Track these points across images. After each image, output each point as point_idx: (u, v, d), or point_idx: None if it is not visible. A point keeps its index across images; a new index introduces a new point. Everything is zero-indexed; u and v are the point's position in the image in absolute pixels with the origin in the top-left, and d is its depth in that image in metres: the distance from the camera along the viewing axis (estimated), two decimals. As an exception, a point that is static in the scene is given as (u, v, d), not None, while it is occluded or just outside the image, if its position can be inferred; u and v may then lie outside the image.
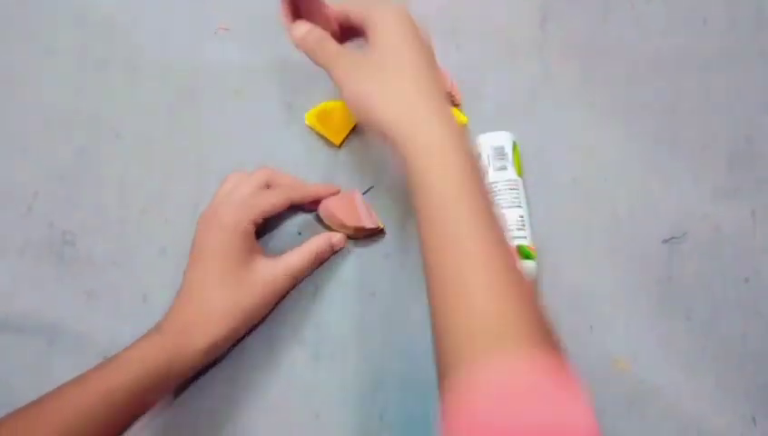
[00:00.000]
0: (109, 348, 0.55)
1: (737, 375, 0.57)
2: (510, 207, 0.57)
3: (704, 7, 0.68)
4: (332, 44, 0.52)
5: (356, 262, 0.59)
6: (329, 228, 0.59)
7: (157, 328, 0.51)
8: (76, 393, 0.45)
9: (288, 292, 0.57)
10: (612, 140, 0.63)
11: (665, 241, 0.61)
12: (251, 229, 0.54)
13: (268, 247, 0.59)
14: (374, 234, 0.60)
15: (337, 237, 0.58)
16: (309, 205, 0.60)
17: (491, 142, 0.59)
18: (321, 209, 0.58)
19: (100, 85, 0.64)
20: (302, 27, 0.53)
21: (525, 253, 0.56)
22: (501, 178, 0.58)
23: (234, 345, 0.56)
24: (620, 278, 0.59)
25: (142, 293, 0.58)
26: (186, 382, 0.55)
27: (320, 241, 0.57)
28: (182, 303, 0.52)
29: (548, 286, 0.59)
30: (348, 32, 0.54)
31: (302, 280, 0.58)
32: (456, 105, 0.64)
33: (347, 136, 0.63)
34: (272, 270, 0.55)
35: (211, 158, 0.62)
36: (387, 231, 0.60)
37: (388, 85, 0.48)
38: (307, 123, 0.62)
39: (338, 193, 0.60)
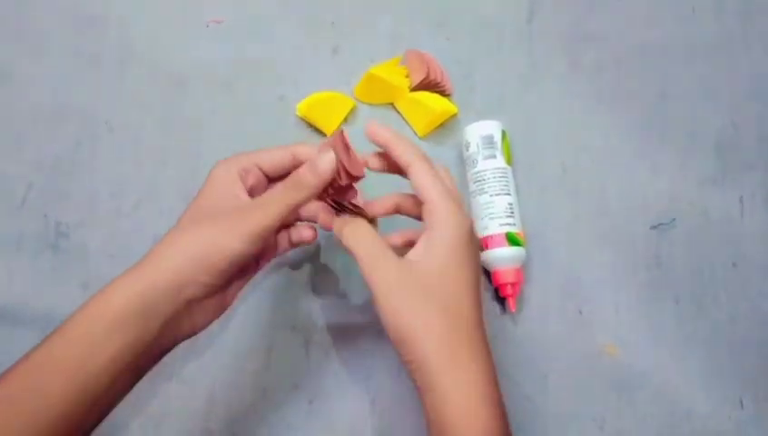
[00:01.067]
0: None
1: (725, 359, 0.58)
2: (499, 194, 0.58)
3: (690, -1, 0.69)
4: (376, 242, 0.45)
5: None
6: None
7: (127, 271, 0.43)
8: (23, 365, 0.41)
9: (269, 230, 0.44)
10: (600, 128, 0.64)
11: (654, 227, 0.61)
12: (243, 175, 0.47)
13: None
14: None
15: (327, 158, 0.45)
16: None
17: (480, 131, 0.60)
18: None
19: (92, 78, 0.64)
20: (346, 221, 0.48)
21: (513, 240, 0.57)
22: (490, 166, 0.59)
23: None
24: (609, 264, 0.60)
25: (136, 284, 0.58)
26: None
27: (296, 172, 0.45)
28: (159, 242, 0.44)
29: (538, 272, 0.60)
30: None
31: (280, 219, 0.45)
32: (446, 96, 0.64)
33: (338, 127, 0.63)
34: (243, 206, 0.46)
35: (203, 150, 0.62)
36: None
37: (424, 316, 0.42)
38: (298, 114, 0.63)
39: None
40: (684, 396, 0.57)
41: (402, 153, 0.46)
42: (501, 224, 0.57)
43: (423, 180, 0.45)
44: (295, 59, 0.65)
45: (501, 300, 0.59)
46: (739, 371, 0.58)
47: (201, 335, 0.56)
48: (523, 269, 0.58)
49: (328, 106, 0.62)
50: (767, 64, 0.67)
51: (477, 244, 0.48)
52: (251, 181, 0.48)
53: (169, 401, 0.55)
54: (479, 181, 0.59)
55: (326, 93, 0.63)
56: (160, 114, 0.63)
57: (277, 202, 0.44)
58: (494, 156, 0.59)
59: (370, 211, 0.50)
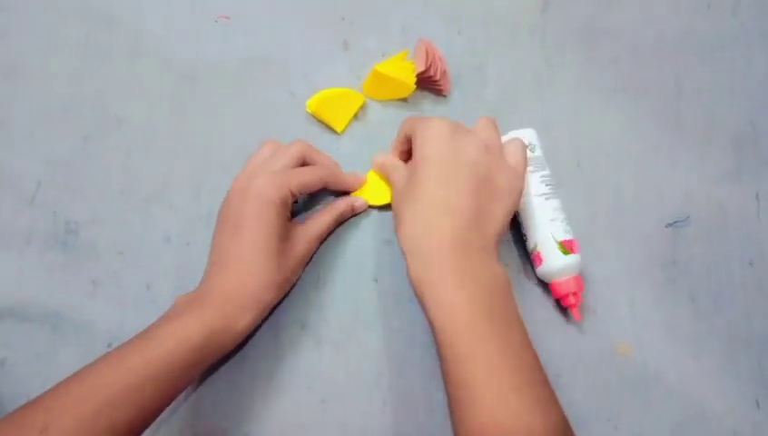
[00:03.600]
0: (114, 336, 0.55)
1: (741, 358, 0.57)
2: (551, 198, 0.57)
3: (707, -8, 0.68)
4: (393, 158, 0.58)
5: (358, 248, 0.59)
6: None
7: (197, 301, 0.50)
8: (115, 369, 0.44)
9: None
10: (615, 123, 0.63)
11: (669, 224, 0.61)
12: (290, 201, 0.53)
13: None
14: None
15: (360, 201, 0.59)
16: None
17: (530, 138, 0.59)
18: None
19: (102, 74, 0.63)
20: (380, 156, 0.59)
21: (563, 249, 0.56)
22: (550, 172, 0.58)
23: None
24: (624, 261, 0.59)
25: (146, 282, 0.58)
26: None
27: (342, 203, 0.58)
28: (222, 276, 0.51)
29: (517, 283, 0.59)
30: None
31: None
32: (442, 95, 0.64)
33: (348, 123, 0.63)
34: (305, 237, 0.55)
35: (213, 146, 0.62)
36: (389, 217, 0.60)
37: (415, 213, 0.50)
38: (308, 110, 0.62)
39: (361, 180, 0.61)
40: (700, 396, 0.56)
41: (398, 134, 0.57)
42: (569, 231, 0.57)
43: (409, 123, 0.55)
44: (305, 54, 0.65)
45: (563, 309, 0.58)
46: (756, 371, 0.57)
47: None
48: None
49: (338, 102, 0.62)
50: (785, 59, 0.66)
51: (466, 138, 0.51)
52: (292, 200, 0.54)
53: (179, 401, 0.55)
54: (551, 184, 0.58)
55: (336, 89, 0.62)
56: (170, 110, 0.63)
57: (327, 232, 0.58)
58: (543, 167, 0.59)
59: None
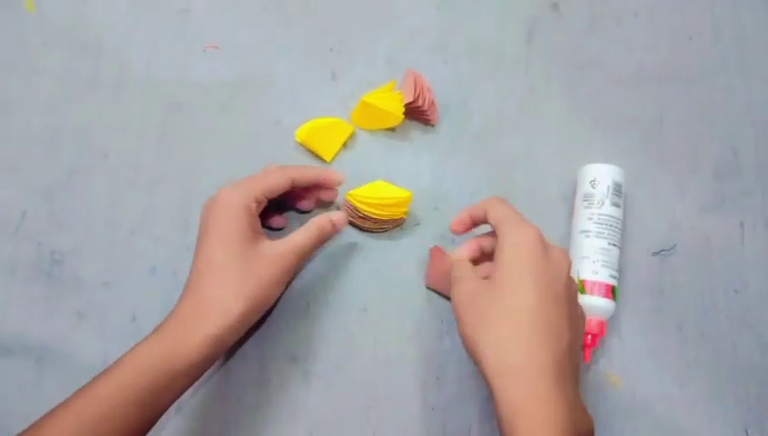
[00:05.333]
0: (98, 369, 0.54)
1: (729, 387, 0.58)
2: (615, 246, 0.58)
3: (689, 23, 0.69)
4: (465, 267, 0.51)
5: (347, 277, 0.59)
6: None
7: (159, 326, 0.47)
8: (87, 399, 0.43)
9: (296, 274, 0.55)
10: (599, 153, 0.63)
11: (655, 253, 0.61)
12: (253, 206, 0.51)
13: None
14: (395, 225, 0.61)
15: (338, 216, 0.55)
16: (304, 202, 0.60)
17: (613, 174, 0.59)
18: None
19: (88, 104, 0.63)
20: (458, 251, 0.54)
21: (615, 295, 0.57)
22: (615, 214, 0.58)
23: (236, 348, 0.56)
24: (611, 291, 0.60)
25: (132, 313, 0.57)
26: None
27: (321, 219, 0.54)
28: (185, 295, 0.49)
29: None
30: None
31: (308, 260, 0.57)
32: (430, 125, 0.64)
33: (337, 153, 0.63)
34: (278, 249, 0.51)
35: (199, 176, 0.62)
36: (377, 246, 0.60)
37: (496, 330, 0.44)
38: (297, 139, 0.62)
39: (341, 181, 0.57)
40: (689, 425, 0.56)
41: (478, 208, 0.52)
42: (611, 276, 0.57)
43: (497, 212, 0.50)
44: (293, 84, 0.65)
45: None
46: (743, 400, 0.57)
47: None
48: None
49: (327, 132, 0.62)
50: (764, 91, 0.67)
51: (564, 261, 0.48)
52: (258, 209, 0.53)
53: (164, 432, 0.54)
54: (601, 224, 0.57)
55: (325, 118, 0.62)
56: (156, 141, 0.63)
57: (306, 250, 0.52)
58: (618, 206, 0.59)
59: (459, 255, 0.54)
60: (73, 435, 0.42)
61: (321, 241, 0.54)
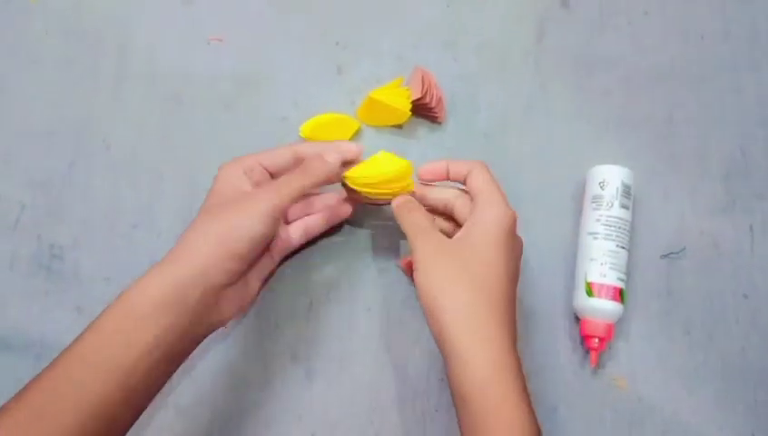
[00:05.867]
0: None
1: (737, 391, 0.57)
2: (624, 248, 0.57)
3: (700, 22, 0.68)
4: (422, 217, 0.51)
5: (350, 277, 0.58)
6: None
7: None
8: (62, 368, 0.42)
9: (279, 212, 0.48)
10: (608, 153, 0.62)
11: (664, 256, 0.60)
12: (248, 173, 0.50)
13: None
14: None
15: (333, 155, 0.52)
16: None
17: (622, 176, 0.58)
18: None
19: (90, 96, 0.62)
20: (402, 197, 0.53)
21: (624, 298, 0.56)
22: (624, 216, 0.57)
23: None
24: (619, 293, 0.59)
25: (133, 309, 0.56)
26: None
27: (313, 156, 0.52)
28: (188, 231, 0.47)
29: (546, 306, 0.59)
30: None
31: (291, 201, 0.49)
32: (437, 123, 0.63)
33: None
34: (255, 191, 0.49)
35: (202, 170, 0.60)
36: (381, 246, 0.59)
37: (456, 293, 0.46)
38: (302, 135, 0.61)
39: (357, 153, 0.54)
40: (696, 430, 0.56)
41: (461, 166, 0.52)
42: (619, 278, 0.56)
43: (480, 177, 0.50)
44: (298, 79, 0.64)
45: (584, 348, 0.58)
46: (751, 404, 0.57)
47: (200, 363, 0.55)
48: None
49: (332, 128, 0.61)
50: (776, 91, 0.66)
51: (520, 242, 0.51)
52: (255, 177, 0.51)
53: (167, 432, 0.53)
54: (610, 226, 0.57)
55: (331, 114, 0.61)
56: (158, 134, 0.62)
57: (287, 184, 0.49)
58: (627, 208, 0.58)
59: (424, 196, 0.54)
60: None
61: (310, 178, 0.50)
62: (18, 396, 0.42)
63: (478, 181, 0.50)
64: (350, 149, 0.53)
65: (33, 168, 0.60)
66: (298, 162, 0.52)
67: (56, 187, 0.60)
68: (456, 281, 0.46)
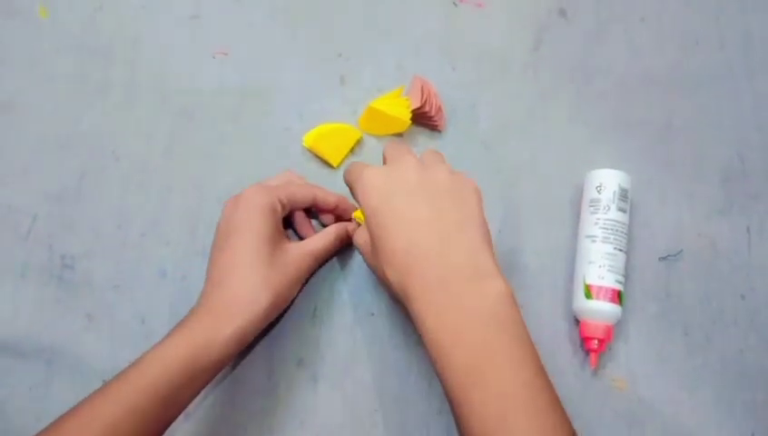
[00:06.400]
0: (108, 371, 0.54)
1: (736, 392, 0.58)
2: (622, 251, 0.58)
3: (695, 28, 0.69)
4: (359, 163, 0.52)
5: (354, 282, 0.60)
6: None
7: (181, 322, 0.49)
8: (98, 405, 0.44)
9: (312, 274, 0.57)
10: (606, 158, 0.63)
11: (662, 258, 0.61)
12: (279, 208, 0.53)
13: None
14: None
15: (352, 226, 0.57)
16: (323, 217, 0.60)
17: (619, 180, 0.59)
18: None
19: (99, 109, 0.64)
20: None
21: (622, 300, 0.57)
22: (621, 219, 0.58)
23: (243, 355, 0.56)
24: (617, 296, 0.60)
25: (141, 316, 0.58)
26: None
27: (339, 227, 0.57)
28: (209, 291, 0.50)
29: (546, 308, 0.60)
30: None
31: (323, 264, 0.58)
32: (437, 131, 0.64)
33: (344, 158, 0.63)
34: (299, 250, 0.54)
35: (209, 181, 0.62)
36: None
37: (390, 265, 0.46)
38: (305, 145, 0.63)
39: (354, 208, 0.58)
40: (695, 431, 0.56)
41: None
42: (617, 281, 0.57)
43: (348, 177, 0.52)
44: (301, 90, 0.66)
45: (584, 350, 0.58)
46: (750, 405, 0.57)
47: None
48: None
49: (334, 138, 0.62)
50: (771, 95, 0.67)
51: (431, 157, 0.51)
52: (284, 212, 0.55)
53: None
54: (607, 229, 0.58)
55: (333, 124, 0.63)
56: (166, 145, 0.63)
57: (324, 248, 0.56)
58: (625, 211, 0.59)
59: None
60: None
61: (337, 247, 0.58)
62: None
63: (347, 177, 0.53)
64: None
65: (45, 180, 0.62)
66: (313, 204, 0.57)
67: (68, 199, 0.61)
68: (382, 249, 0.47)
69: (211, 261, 0.52)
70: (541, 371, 0.42)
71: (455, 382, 0.42)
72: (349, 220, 0.59)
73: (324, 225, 0.61)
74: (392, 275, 0.46)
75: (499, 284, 0.44)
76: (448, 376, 0.42)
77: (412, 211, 0.46)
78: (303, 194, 0.56)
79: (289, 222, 0.59)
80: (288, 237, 0.57)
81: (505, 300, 0.43)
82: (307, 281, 0.57)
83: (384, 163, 0.52)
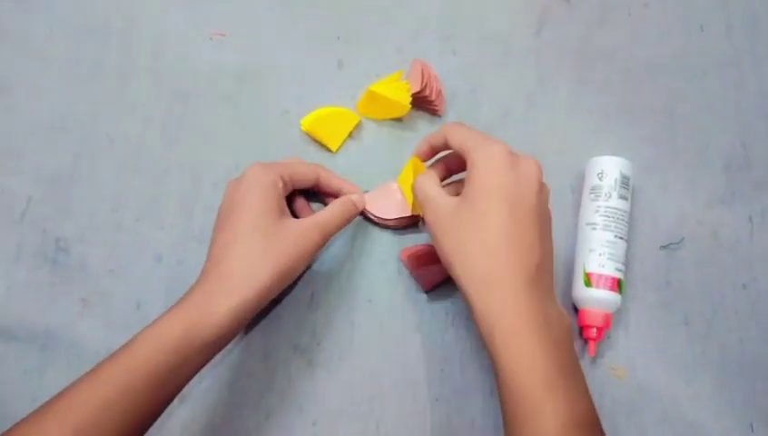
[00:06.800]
0: (103, 355, 0.54)
1: (735, 381, 0.57)
2: (623, 239, 0.57)
3: (701, 14, 0.68)
4: (429, 186, 0.51)
5: (352, 268, 0.59)
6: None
7: (178, 301, 0.48)
8: (89, 386, 0.43)
9: (319, 250, 0.53)
10: (608, 145, 0.63)
11: (663, 247, 0.61)
12: (281, 185, 0.52)
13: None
14: (413, 223, 0.60)
15: (356, 196, 0.56)
16: (330, 198, 0.59)
17: (621, 167, 0.58)
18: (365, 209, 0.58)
19: (93, 91, 0.63)
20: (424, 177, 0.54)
21: (622, 288, 0.57)
22: (622, 207, 0.58)
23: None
24: (618, 284, 0.59)
25: (137, 301, 0.57)
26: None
27: (344, 199, 0.56)
28: (207, 269, 0.49)
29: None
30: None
31: (331, 238, 0.54)
32: (437, 115, 0.64)
33: (343, 142, 0.62)
34: (303, 224, 0.52)
35: (205, 164, 0.61)
36: (382, 238, 0.60)
37: (470, 248, 0.46)
38: (303, 129, 0.62)
39: (360, 208, 0.57)
40: (694, 419, 0.56)
41: (436, 136, 0.53)
42: (617, 269, 0.56)
43: (458, 136, 0.50)
44: (300, 73, 0.65)
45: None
46: (750, 395, 0.57)
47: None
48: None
49: (333, 121, 0.62)
50: (776, 83, 0.66)
51: (531, 172, 0.49)
52: (285, 191, 0.53)
53: (169, 422, 0.54)
54: (608, 216, 0.57)
55: (331, 108, 0.62)
56: (161, 127, 0.62)
57: (330, 224, 0.53)
58: (626, 198, 0.58)
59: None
60: (78, 419, 0.42)
61: (344, 220, 0.55)
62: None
63: (458, 136, 0.50)
64: (362, 200, 0.57)
65: (39, 163, 0.61)
66: (316, 184, 0.57)
67: (62, 182, 0.60)
68: (465, 242, 0.46)
69: (212, 240, 0.51)
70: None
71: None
72: None
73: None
74: (479, 257, 0.46)
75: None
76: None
77: (528, 213, 0.47)
78: (305, 172, 0.55)
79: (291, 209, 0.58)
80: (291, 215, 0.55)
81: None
82: (313, 257, 0.54)
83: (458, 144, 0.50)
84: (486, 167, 0.47)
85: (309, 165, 0.56)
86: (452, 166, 0.55)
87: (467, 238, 0.46)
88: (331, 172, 0.58)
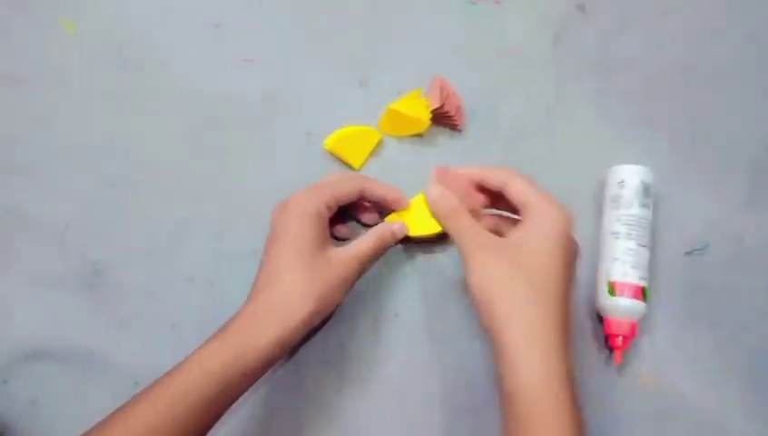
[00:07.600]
0: (140, 375, 0.56)
1: (764, 386, 0.57)
2: (645, 247, 0.58)
3: (720, 20, 0.68)
4: (464, 217, 0.53)
5: (378, 282, 0.60)
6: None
7: (223, 326, 0.49)
8: (135, 412, 0.45)
9: (359, 278, 0.55)
10: (630, 155, 0.63)
11: (687, 253, 0.61)
12: (324, 212, 0.53)
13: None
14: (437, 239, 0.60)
15: (396, 225, 0.57)
16: (367, 214, 0.61)
17: (642, 175, 0.59)
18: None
19: (129, 120, 0.65)
20: (435, 190, 0.55)
21: (646, 297, 0.57)
22: (644, 215, 0.58)
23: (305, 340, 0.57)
24: (643, 292, 0.59)
25: (171, 322, 0.59)
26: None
27: (382, 228, 0.56)
28: (252, 296, 0.50)
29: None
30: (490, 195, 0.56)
31: (368, 268, 0.56)
32: (458, 130, 0.65)
33: (366, 160, 0.64)
34: (343, 255, 0.53)
35: (234, 186, 0.63)
36: (405, 252, 0.61)
37: (513, 289, 0.47)
38: (326, 147, 0.63)
39: (401, 195, 0.58)
40: (723, 425, 0.56)
41: (495, 175, 0.54)
42: (641, 277, 0.57)
43: (521, 187, 0.51)
44: (322, 93, 0.66)
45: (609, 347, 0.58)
46: (779, 401, 0.57)
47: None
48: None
49: (355, 140, 0.63)
50: (798, 85, 0.66)
51: (576, 245, 0.51)
52: (330, 213, 0.55)
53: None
54: (630, 225, 0.58)
55: (353, 127, 0.63)
56: (192, 152, 0.64)
57: (365, 254, 0.54)
58: (648, 206, 0.59)
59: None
60: None
61: (382, 249, 0.56)
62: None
63: (522, 192, 0.51)
64: (402, 230, 0.57)
65: (75, 189, 0.63)
66: (361, 197, 0.57)
67: (98, 207, 0.62)
68: (512, 277, 0.47)
69: (259, 268, 0.52)
70: None
71: None
72: (392, 212, 0.58)
73: (364, 225, 0.61)
74: (515, 288, 0.47)
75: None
76: None
77: (567, 272, 0.49)
78: (349, 190, 0.55)
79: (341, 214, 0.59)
80: (333, 242, 0.56)
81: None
82: (353, 286, 0.55)
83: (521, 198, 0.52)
84: (556, 226, 0.49)
85: (351, 180, 0.56)
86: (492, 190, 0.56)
87: (519, 296, 0.47)
88: (373, 181, 0.57)
